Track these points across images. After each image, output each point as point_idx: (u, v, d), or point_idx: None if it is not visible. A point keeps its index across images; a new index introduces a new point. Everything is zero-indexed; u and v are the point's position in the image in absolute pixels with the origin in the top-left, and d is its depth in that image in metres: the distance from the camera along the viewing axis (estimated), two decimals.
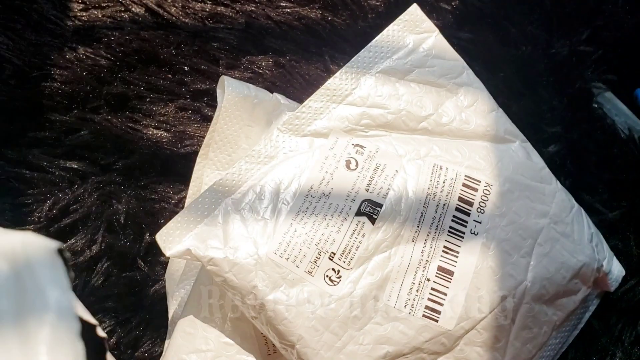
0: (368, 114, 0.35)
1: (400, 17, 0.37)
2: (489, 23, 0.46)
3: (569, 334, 0.38)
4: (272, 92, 0.40)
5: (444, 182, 0.34)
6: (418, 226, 0.33)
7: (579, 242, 0.36)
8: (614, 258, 0.39)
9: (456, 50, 0.38)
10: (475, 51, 0.45)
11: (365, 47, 0.36)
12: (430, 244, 0.33)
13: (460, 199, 0.34)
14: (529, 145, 0.38)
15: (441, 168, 0.35)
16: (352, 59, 0.36)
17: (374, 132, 0.35)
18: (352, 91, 0.35)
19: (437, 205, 0.34)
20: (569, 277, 0.35)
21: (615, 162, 0.44)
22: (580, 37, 0.46)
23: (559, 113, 0.44)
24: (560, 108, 0.44)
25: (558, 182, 0.38)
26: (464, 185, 0.35)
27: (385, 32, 0.37)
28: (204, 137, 0.40)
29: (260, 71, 0.44)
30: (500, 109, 0.39)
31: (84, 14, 0.45)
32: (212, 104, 0.43)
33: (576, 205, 0.38)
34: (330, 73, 0.44)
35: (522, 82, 0.45)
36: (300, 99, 0.42)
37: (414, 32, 0.37)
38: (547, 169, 0.38)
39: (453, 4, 0.46)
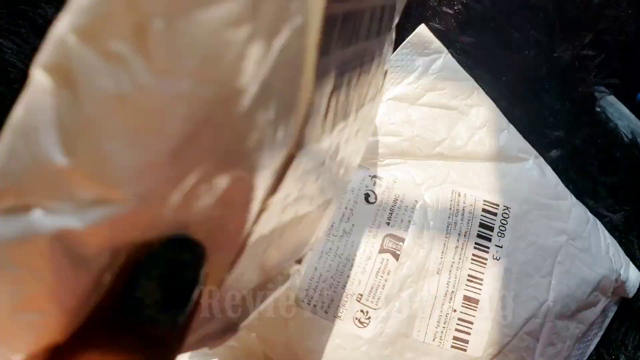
0: (382, 142, 0.35)
1: (409, 39, 0.37)
2: (492, 27, 0.46)
3: (589, 343, 0.38)
4: None
5: (463, 209, 0.34)
6: (442, 257, 0.33)
7: (596, 255, 0.36)
8: (630, 264, 0.39)
9: (459, 54, 0.38)
10: (478, 55, 0.44)
11: None
12: (454, 274, 0.33)
13: (481, 225, 0.34)
14: (541, 160, 0.38)
15: (459, 194, 0.34)
16: None
17: (390, 160, 0.35)
18: None
19: (459, 234, 0.34)
20: (589, 291, 0.35)
21: (618, 166, 0.43)
22: (583, 41, 0.45)
23: (562, 117, 0.44)
24: (563, 112, 0.44)
25: (573, 197, 0.38)
26: (484, 210, 0.34)
27: (394, 56, 0.36)
28: None
29: None
30: (511, 126, 0.38)
31: None
32: None
33: (591, 217, 0.38)
34: None
35: (525, 87, 0.44)
36: None
37: (422, 54, 0.37)
38: (562, 185, 0.38)
39: (455, 8, 0.46)
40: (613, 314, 0.39)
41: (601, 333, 0.38)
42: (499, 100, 0.40)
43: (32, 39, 0.44)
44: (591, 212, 0.40)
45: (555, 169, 0.40)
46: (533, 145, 0.39)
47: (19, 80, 0.43)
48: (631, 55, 0.46)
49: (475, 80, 0.41)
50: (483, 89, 0.40)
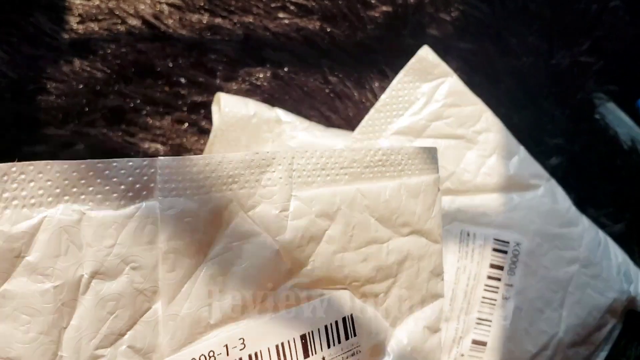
0: None
1: (411, 63, 0.34)
2: (490, 33, 0.46)
3: (597, 358, 0.37)
4: (270, 105, 0.40)
5: (472, 251, 0.33)
6: (450, 304, 0.32)
7: (607, 280, 0.35)
8: None
9: (457, 61, 0.37)
10: (476, 62, 0.44)
11: (375, 107, 0.33)
12: (463, 319, 0.32)
13: (491, 266, 0.33)
14: (553, 183, 0.37)
15: (468, 235, 0.33)
16: (362, 123, 0.33)
17: None
18: None
19: (468, 278, 0.32)
20: (599, 316, 0.35)
21: (619, 174, 0.43)
22: (581, 48, 0.45)
23: (561, 124, 0.44)
24: (562, 119, 0.44)
25: (584, 219, 0.37)
26: (494, 250, 0.33)
27: (395, 83, 0.33)
28: (201, 151, 0.40)
29: (258, 83, 0.44)
30: (522, 148, 0.36)
31: (80, 27, 0.44)
32: (210, 117, 0.43)
33: (602, 238, 0.37)
34: (328, 84, 0.44)
35: (523, 93, 0.44)
36: (298, 111, 0.41)
37: (426, 80, 0.34)
38: (573, 208, 0.36)
39: (453, 14, 0.46)
40: (621, 326, 0.38)
41: (609, 347, 0.38)
42: (497, 108, 0.39)
43: (24, 47, 0.43)
44: (592, 220, 0.39)
45: (554, 177, 0.39)
46: (532, 153, 0.38)
47: (10, 89, 0.42)
48: (630, 61, 0.46)
49: (473, 88, 0.40)
50: (481, 95, 0.40)
